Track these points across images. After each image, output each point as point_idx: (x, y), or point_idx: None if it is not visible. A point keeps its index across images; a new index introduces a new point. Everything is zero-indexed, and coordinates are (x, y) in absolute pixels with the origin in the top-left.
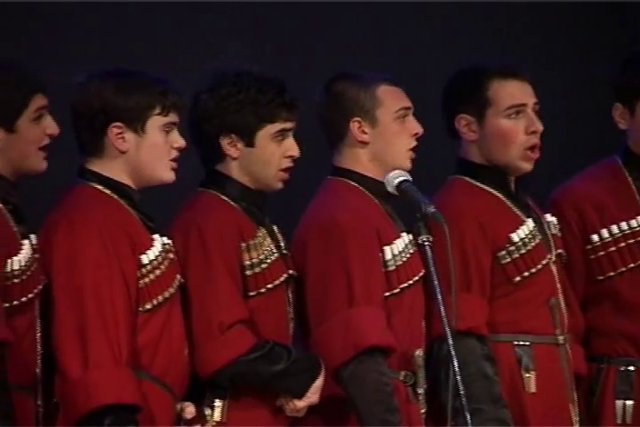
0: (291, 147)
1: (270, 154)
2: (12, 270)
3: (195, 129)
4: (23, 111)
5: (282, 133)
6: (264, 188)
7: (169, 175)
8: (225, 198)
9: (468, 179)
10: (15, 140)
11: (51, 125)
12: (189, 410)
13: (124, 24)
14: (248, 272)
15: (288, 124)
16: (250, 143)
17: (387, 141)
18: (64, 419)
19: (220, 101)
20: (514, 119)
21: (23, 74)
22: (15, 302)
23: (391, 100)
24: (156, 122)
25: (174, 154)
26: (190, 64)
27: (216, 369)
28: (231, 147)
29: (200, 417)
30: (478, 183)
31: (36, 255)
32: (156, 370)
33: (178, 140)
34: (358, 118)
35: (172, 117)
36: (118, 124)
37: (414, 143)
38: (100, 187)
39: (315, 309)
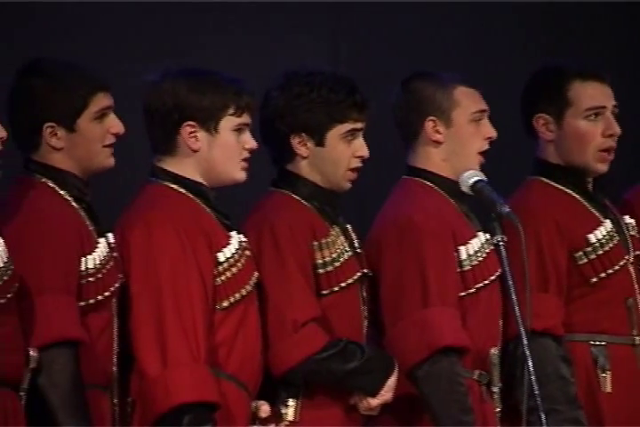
0: (360, 147)
1: (340, 154)
2: (87, 269)
3: (265, 128)
4: (83, 111)
5: (352, 134)
6: (334, 187)
7: (240, 175)
8: (297, 198)
9: (545, 179)
10: (77, 140)
11: (115, 124)
12: (264, 409)
13: (197, 23)
14: (320, 271)
15: (358, 125)
16: (320, 143)
17: (460, 143)
18: (143, 417)
19: (292, 100)
20: (592, 121)
21: (84, 73)
22: (91, 301)
23: (468, 101)
24: (229, 122)
25: (245, 155)
26: (266, 64)
27: (289, 367)
28: (301, 146)
29: (275, 416)
30: (555, 184)
31: (114, 254)
32: (231, 368)
33: (249, 142)
34: (433, 117)
35: (245, 118)
36: (191, 122)
37: (486, 147)
38: (174, 186)
39: (389, 308)
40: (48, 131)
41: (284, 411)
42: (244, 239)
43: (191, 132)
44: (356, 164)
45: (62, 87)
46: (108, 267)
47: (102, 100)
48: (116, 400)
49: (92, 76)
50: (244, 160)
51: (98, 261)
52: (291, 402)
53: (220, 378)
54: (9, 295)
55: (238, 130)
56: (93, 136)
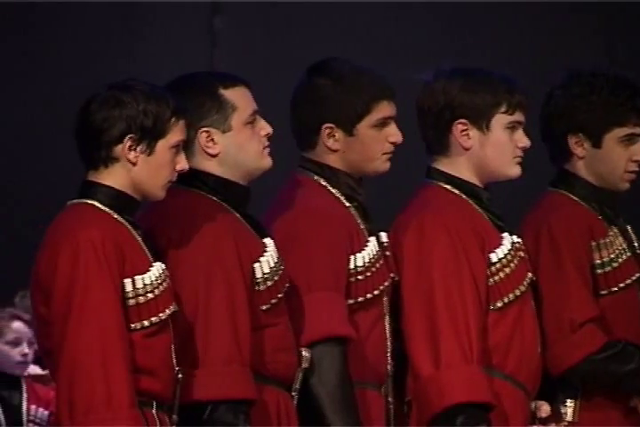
0: (638, 151)
1: (617, 157)
2: (356, 267)
3: (544, 126)
4: (365, 116)
5: (630, 138)
6: (611, 188)
7: (515, 170)
8: (574, 198)
9: None
10: (354, 144)
11: (394, 133)
12: (545, 409)
13: (479, 24)
14: (599, 271)
15: (638, 130)
16: (596, 144)
17: None
18: (419, 417)
19: (572, 100)
20: None
21: (372, 78)
22: (360, 299)
23: None
24: (500, 120)
25: (518, 153)
26: (542, 64)
27: (568, 367)
28: (578, 146)
29: (555, 416)
30: None
31: (385, 253)
32: (509, 368)
33: (523, 140)
34: None
35: (518, 116)
36: (463, 120)
37: None
38: (447, 186)
39: None
40: (326, 131)
41: (565, 411)
42: (517, 240)
43: (463, 131)
44: (634, 167)
45: (348, 90)
46: (377, 266)
47: (385, 109)
48: (390, 399)
49: (381, 82)
50: (517, 157)
51: (367, 260)
52: (569, 403)
53: (497, 379)
54: (280, 295)
55: (511, 128)
56: (371, 143)
